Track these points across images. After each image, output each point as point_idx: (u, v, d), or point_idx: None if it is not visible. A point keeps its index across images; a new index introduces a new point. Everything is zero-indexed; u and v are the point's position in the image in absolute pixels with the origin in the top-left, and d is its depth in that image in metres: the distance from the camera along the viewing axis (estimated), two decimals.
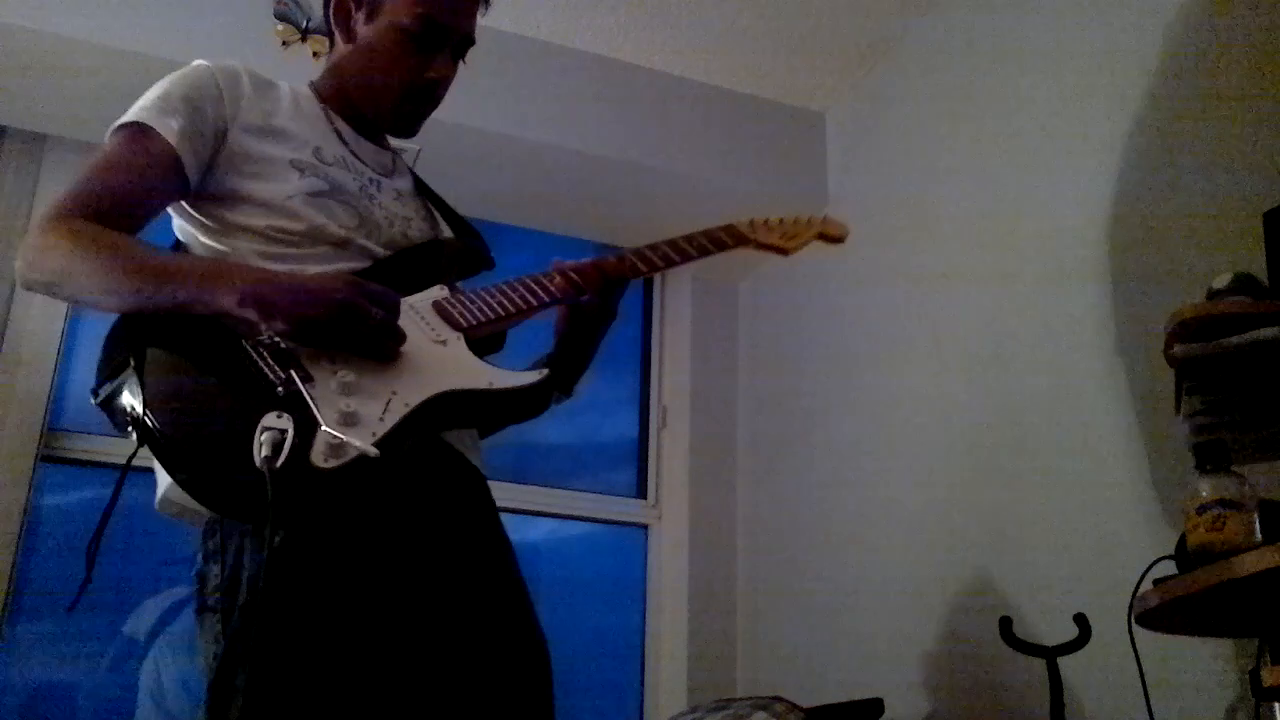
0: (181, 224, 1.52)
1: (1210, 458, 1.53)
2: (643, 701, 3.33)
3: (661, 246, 1.67)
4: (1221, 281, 1.65)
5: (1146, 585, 1.63)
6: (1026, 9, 2.63)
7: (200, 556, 1.39)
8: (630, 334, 3.69)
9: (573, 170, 3.18)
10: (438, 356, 1.43)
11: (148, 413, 1.23)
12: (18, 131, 2.97)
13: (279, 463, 1.16)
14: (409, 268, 1.54)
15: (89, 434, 2.88)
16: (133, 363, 1.27)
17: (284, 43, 2.76)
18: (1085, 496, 2.18)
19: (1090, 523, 2.15)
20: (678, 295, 3.69)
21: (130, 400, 1.26)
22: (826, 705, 2.45)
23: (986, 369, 2.53)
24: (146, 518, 3.06)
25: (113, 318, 1.36)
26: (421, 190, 1.72)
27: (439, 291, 1.53)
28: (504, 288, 1.55)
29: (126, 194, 1.43)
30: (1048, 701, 2.01)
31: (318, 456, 1.22)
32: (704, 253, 1.71)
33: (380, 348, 1.37)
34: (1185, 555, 1.55)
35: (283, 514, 1.18)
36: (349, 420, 1.27)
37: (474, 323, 1.49)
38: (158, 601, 2.87)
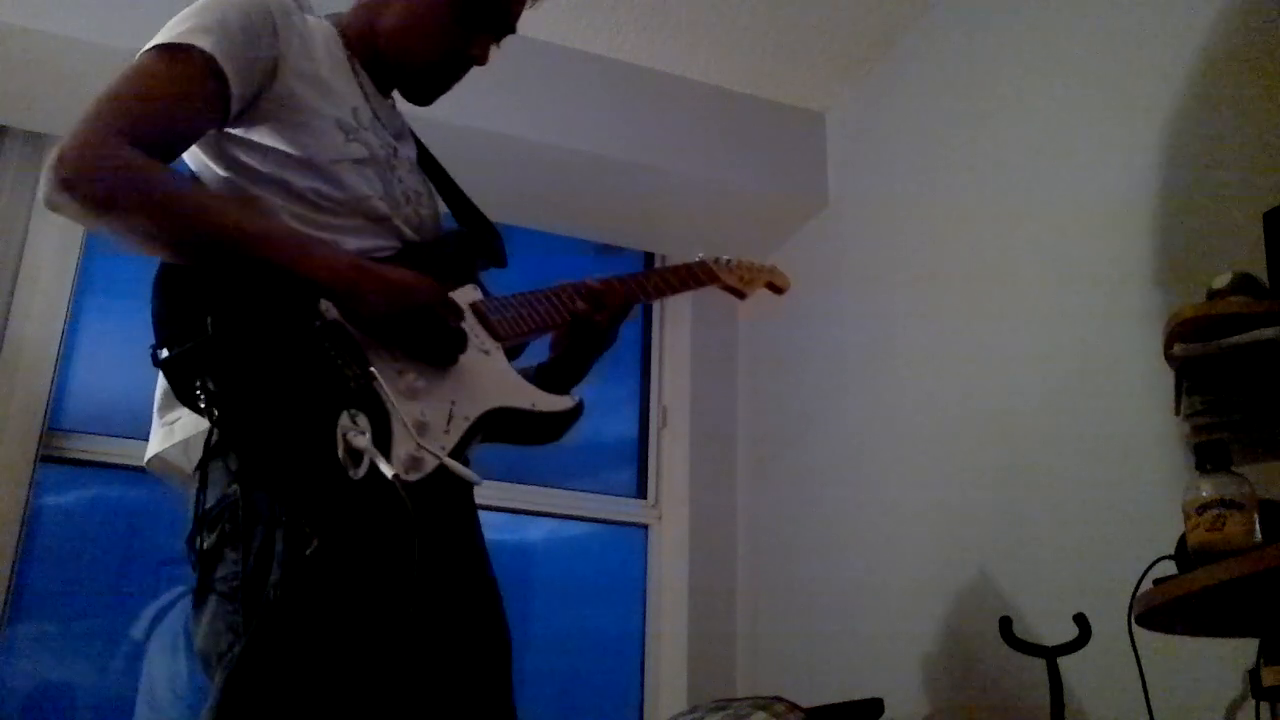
0: (199, 155, 1.41)
1: (1210, 458, 1.53)
2: (643, 701, 3.33)
3: (654, 277, 1.77)
4: (1221, 281, 1.65)
5: (1146, 585, 1.63)
6: (1027, 9, 2.63)
7: (205, 533, 1.29)
8: (630, 334, 3.68)
9: (574, 170, 3.18)
10: (484, 368, 1.42)
11: (229, 396, 1.16)
12: (18, 131, 2.96)
13: (361, 472, 1.14)
14: (442, 259, 1.51)
15: (89, 434, 2.88)
16: (208, 331, 1.18)
17: None
18: (1085, 496, 2.18)
19: (1090, 523, 2.15)
20: (678, 295, 3.68)
21: (207, 379, 1.17)
22: (826, 705, 2.45)
23: (986, 368, 2.53)
24: (147, 518, 3.07)
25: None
26: (425, 161, 1.65)
27: (473, 293, 1.51)
28: (530, 299, 1.54)
29: (170, 120, 1.32)
30: (1048, 701, 2.01)
31: (400, 466, 1.20)
32: (685, 287, 1.84)
33: (448, 355, 1.36)
34: (1185, 555, 1.55)
35: (345, 520, 1.15)
36: (422, 429, 1.25)
37: (512, 334, 1.49)
38: (159, 602, 2.87)
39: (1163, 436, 2.01)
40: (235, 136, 1.39)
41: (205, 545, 1.28)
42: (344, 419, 1.18)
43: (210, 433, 1.25)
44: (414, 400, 1.28)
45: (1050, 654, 2.03)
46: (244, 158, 1.39)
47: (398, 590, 1.25)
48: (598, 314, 1.57)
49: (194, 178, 1.39)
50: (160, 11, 2.92)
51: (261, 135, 1.38)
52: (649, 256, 3.74)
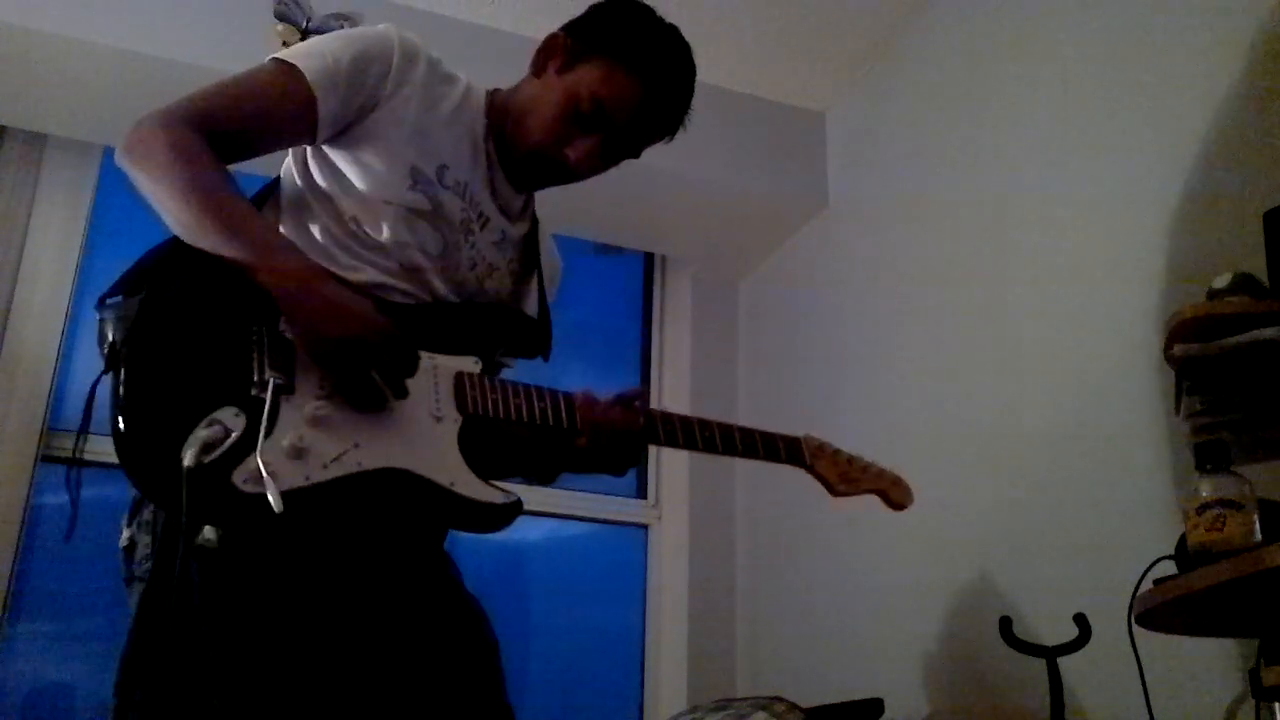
0: (289, 159, 1.51)
1: (1210, 458, 1.52)
2: (643, 701, 3.33)
3: (732, 431, 1.63)
4: (1221, 281, 1.65)
5: (1146, 585, 1.63)
6: (1026, 10, 2.63)
7: (127, 522, 1.38)
8: (630, 334, 3.69)
9: None
10: (422, 431, 1.37)
11: (121, 354, 1.25)
12: (18, 131, 2.97)
13: (205, 460, 1.16)
14: (461, 321, 1.50)
15: (89, 434, 2.87)
16: (144, 294, 1.27)
17: (284, 43, 2.75)
18: (1085, 496, 2.18)
19: (1090, 523, 2.15)
20: (678, 295, 3.69)
21: (114, 331, 1.28)
22: (826, 705, 2.45)
23: (986, 368, 2.53)
24: None
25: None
26: (529, 249, 1.65)
27: (469, 364, 1.47)
28: (530, 391, 1.48)
29: (247, 123, 1.41)
30: (1048, 701, 2.01)
31: (239, 474, 1.21)
32: (760, 457, 1.68)
33: (369, 400, 1.33)
34: (1185, 555, 1.55)
35: (187, 510, 1.16)
36: (296, 453, 1.24)
37: (478, 413, 1.42)
38: None
39: (1163, 436, 2.01)
40: (322, 153, 1.48)
41: (125, 537, 1.37)
42: (224, 411, 1.22)
43: (97, 381, 1.33)
44: (310, 426, 1.27)
45: (1050, 654, 2.03)
46: (314, 170, 1.47)
47: (296, 591, 1.30)
48: (578, 435, 1.49)
49: (228, 178, 1.42)
50: (160, 12, 2.93)
51: (339, 158, 1.46)
52: (649, 256, 3.75)
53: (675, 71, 1.65)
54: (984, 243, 2.62)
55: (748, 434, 1.65)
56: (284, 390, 1.27)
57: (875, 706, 2.43)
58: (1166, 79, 2.18)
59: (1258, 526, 1.48)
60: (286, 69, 1.42)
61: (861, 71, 3.24)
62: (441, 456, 1.37)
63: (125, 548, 1.36)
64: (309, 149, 1.49)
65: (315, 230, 1.44)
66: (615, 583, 3.47)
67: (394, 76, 1.46)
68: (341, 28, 2.42)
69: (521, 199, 1.64)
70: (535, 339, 1.62)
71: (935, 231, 2.81)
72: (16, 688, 2.73)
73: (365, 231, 1.44)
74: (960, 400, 2.59)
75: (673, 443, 1.57)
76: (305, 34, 2.75)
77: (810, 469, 1.76)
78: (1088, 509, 2.16)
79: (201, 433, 1.18)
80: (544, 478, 1.64)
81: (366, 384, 1.32)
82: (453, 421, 1.40)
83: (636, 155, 1.62)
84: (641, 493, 3.53)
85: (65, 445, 2.86)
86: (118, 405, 1.24)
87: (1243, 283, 1.64)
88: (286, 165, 1.52)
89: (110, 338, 1.28)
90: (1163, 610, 1.59)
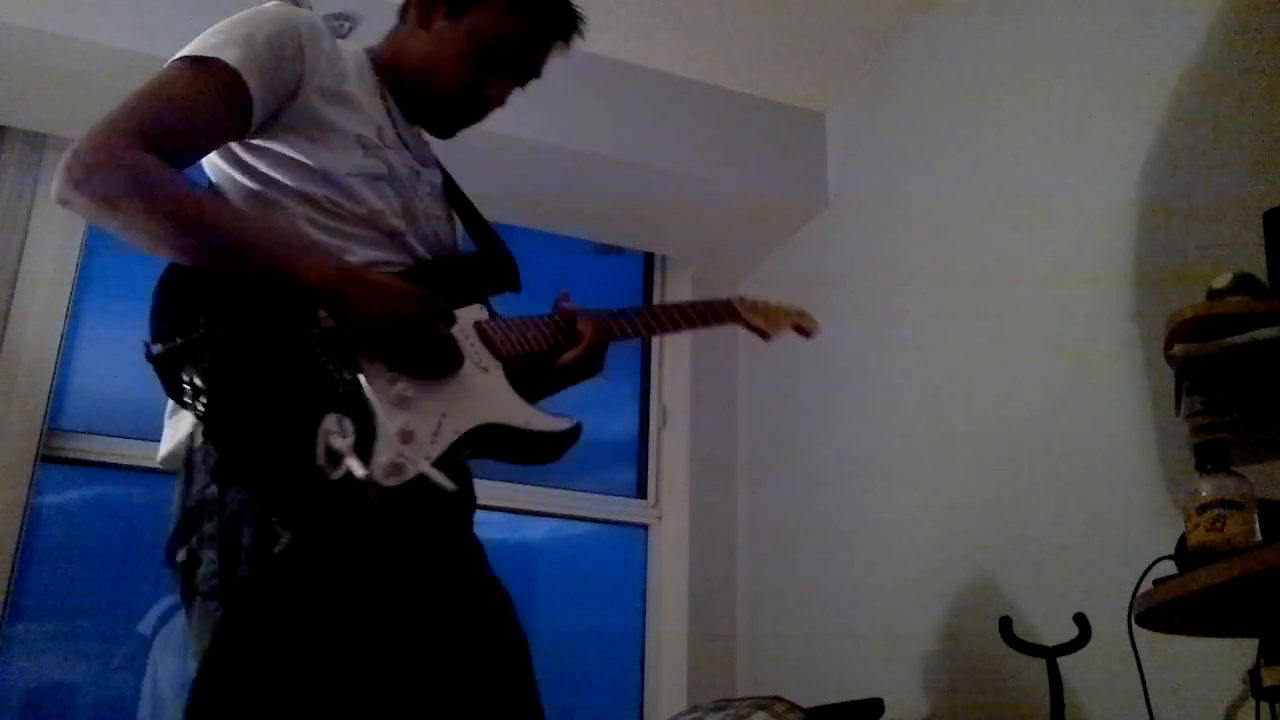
0: (219, 163, 1.44)
1: (1210, 458, 1.53)
2: (643, 701, 3.33)
3: (672, 311, 1.78)
4: (1221, 281, 1.65)
5: (1146, 585, 1.63)
6: (1027, 9, 2.63)
7: (184, 538, 1.33)
8: None
9: (573, 170, 3.18)
10: (481, 384, 1.43)
11: (213, 393, 1.20)
12: (18, 131, 2.96)
13: (355, 472, 1.15)
14: (450, 278, 1.52)
15: (89, 434, 2.88)
16: (201, 329, 1.22)
17: None
18: (1085, 496, 2.18)
19: (1090, 523, 2.15)
20: (678, 295, 3.69)
21: (194, 373, 1.21)
22: (826, 705, 2.45)
23: (986, 369, 2.53)
24: (147, 518, 3.07)
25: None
26: (449, 190, 1.69)
27: (479, 312, 1.52)
28: (533, 322, 1.56)
29: (188, 128, 1.36)
30: (1048, 701, 2.01)
31: (379, 472, 1.20)
32: (705, 323, 1.85)
33: (438, 366, 1.37)
34: (1185, 555, 1.55)
35: (317, 519, 1.17)
36: (407, 437, 1.25)
37: (514, 354, 1.50)
38: (164, 603, 2.87)
39: (1163, 436, 2.01)
40: (257, 147, 1.43)
41: (185, 551, 1.32)
42: (329, 422, 1.20)
43: (193, 432, 1.30)
44: (402, 410, 1.29)
45: (1050, 654, 2.03)
46: (264, 168, 1.43)
47: (371, 590, 1.28)
48: (564, 353, 1.58)
49: (206, 185, 1.42)
50: (160, 12, 2.93)
51: (282, 146, 1.42)
52: (649, 256, 3.75)
53: None
54: (984, 242, 2.62)
55: (686, 308, 1.81)
56: (360, 384, 1.27)
57: (875, 706, 2.43)
58: (1166, 78, 2.18)
59: (1258, 526, 1.48)
60: (207, 63, 1.37)
61: (861, 71, 3.24)
62: (506, 401, 1.45)
63: (184, 563, 1.32)
64: (237, 148, 1.43)
65: (299, 222, 1.41)
66: (615, 583, 3.47)
67: (307, 50, 1.43)
68: (342, 27, 2.42)
69: (426, 147, 1.65)
70: (508, 276, 1.66)
71: (935, 231, 2.81)
72: (16, 688, 2.73)
73: (343, 209, 1.43)
74: (960, 399, 2.59)
75: (634, 334, 1.70)
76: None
77: (745, 323, 1.94)
78: (1088, 509, 2.16)
79: (336, 444, 1.17)
80: (552, 390, 1.66)
81: (435, 354, 1.36)
82: (496, 368, 1.47)
83: (540, 75, 1.67)
84: (641, 493, 3.53)
85: (65, 445, 2.86)
86: (232, 446, 1.22)
87: (1243, 283, 1.64)
88: (218, 170, 1.46)
89: (189, 383, 1.22)
90: (1163, 610, 1.59)
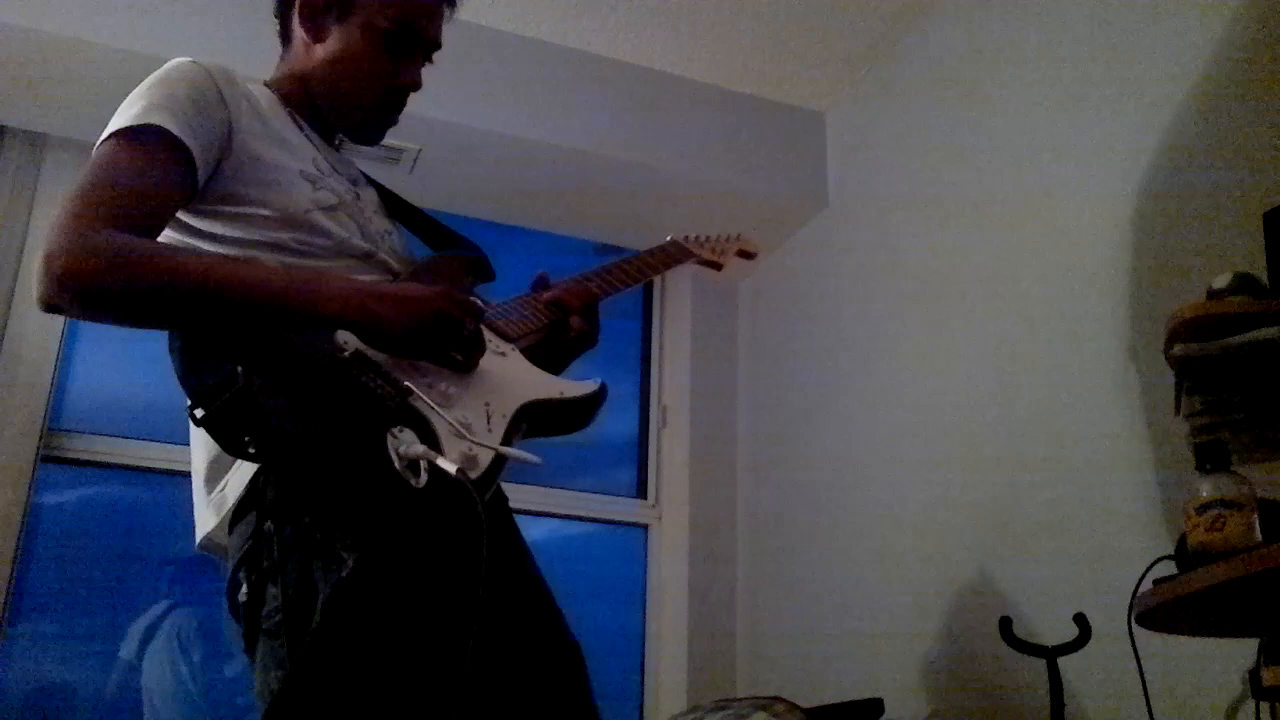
0: (181, 238, 1.40)
1: (1210, 458, 1.53)
2: (643, 701, 3.33)
3: (635, 262, 1.81)
4: (1221, 281, 1.65)
5: (1146, 585, 1.63)
6: (1027, 9, 2.63)
7: (243, 577, 1.30)
8: (630, 334, 3.69)
9: (573, 170, 3.18)
10: (507, 367, 1.46)
11: (275, 436, 1.19)
12: (18, 131, 2.96)
13: (424, 478, 1.16)
14: (436, 279, 1.51)
15: (89, 434, 2.88)
16: (240, 381, 1.19)
17: None
18: (1085, 496, 2.18)
19: (1090, 523, 2.15)
20: (678, 295, 3.69)
21: (248, 425, 1.19)
22: (826, 705, 2.45)
23: (986, 369, 2.53)
24: (147, 518, 3.07)
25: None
26: (393, 204, 1.67)
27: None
28: (520, 303, 1.59)
29: (146, 201, 1.32)
30: (1048, 701, 2.01)
31: (452, 467, 1.20)
32: (666, 267, 1.88)
33: (470, 358, 1.39)
34: (1185, 555, 1.55)
35: (387, 536, 1.18)
36: (466, 429, 1.28)
37: (521, 334, 1.54)
38: (162, 604, 2.88)
39: (1163, 436, 2.01)
40: (211, 211, 1.40)
41: (245, 590, 1.29)
42: (389, 438, 1.20)
43: (256, 478, 1.29)
44: (452, 407, 1.30)
45: (1050, 654, 2.03)
46: (225, 230, 1.40)
47: (454, 601, 1.24)
48: (569, 320, 1.61)
49: (191, 251, 1.39)
50: (160, 12, 2.93)
51: (235, 203, 1.40)
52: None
53: None
54: (984, 242, 2.62)
55: (638, 261, 1.83)
56: (410, 392, 1.28)
57: (875, 706, 2.43)
58: (1166, 78, 2.18)
59: (1258, 526, 1.48)
60: (139, 132, 1.34)
61: (861, 71, 3.24)
62: (536, 378, 1.50)
63: (246, 603, 1.29)
64: (191, 218, 1.40)
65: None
66: (615, 583, 3.47)
67: (227, 96, 1.41)
68: None
69: (352, 166, 1.64)
70: (483, 268, 1.67)
71: (935, 230, 2.81)
72: (16, 688, 2.73)
73: (314, 245, 1.42)
74: (960, 399, 2.59)
75: (612, 289, 1.72)
76: None
77: (696, 258, 1.95)
78: (1088, 509, 2.16)
79: (409, 450, 1.18)
80: (562, 365, 1.67)
81: (462, 348, 1.38)
82: (513, 350, 1.51)
83: (440, 46, 1.63)
84: (641, 493, 3.53)
85: (65, 445, 2.86)
86: (309, 483, 1.25)
87: (1243, 283, 1.64)
88: (179, 243, 1.41)
89: (243, 435, 1.20)
90: (1163, 610, 1.59)
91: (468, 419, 1.30)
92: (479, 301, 1.55)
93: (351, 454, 1.21)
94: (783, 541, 3.24)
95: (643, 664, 3.37)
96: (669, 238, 1.94)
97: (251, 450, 1.21)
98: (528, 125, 3.06)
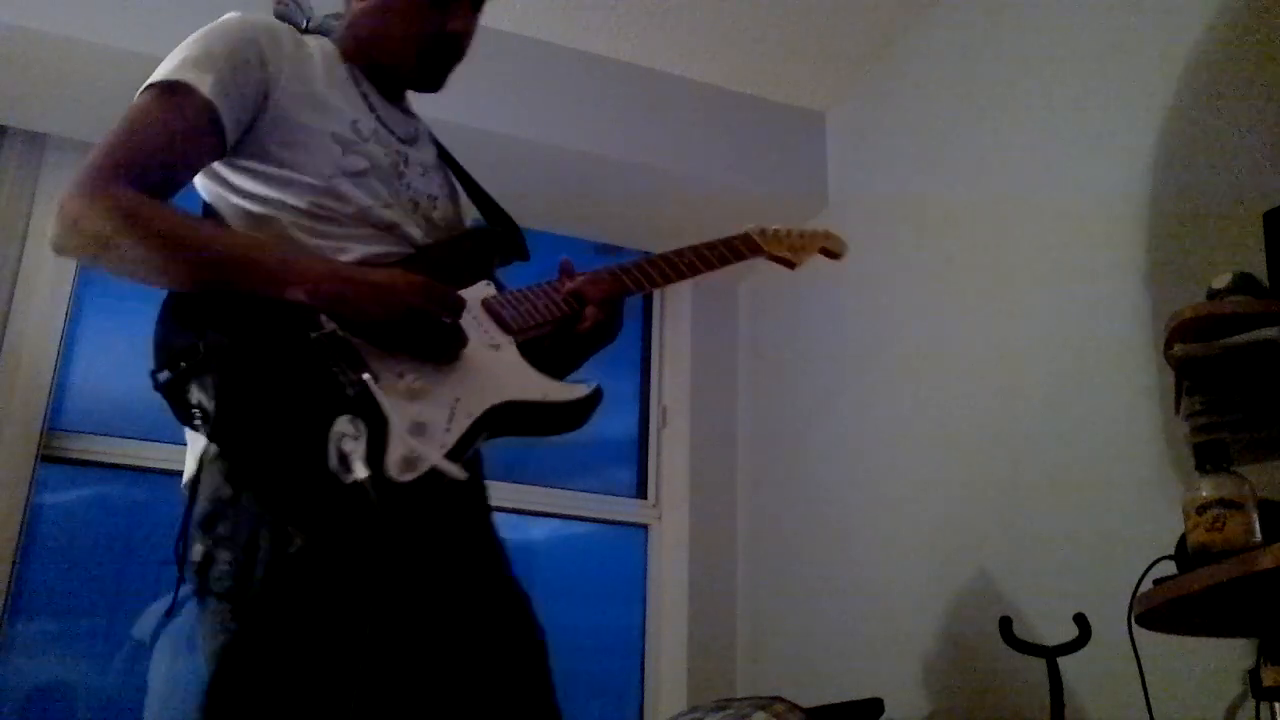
0: (210, 185, 1.46)
1: (1210, 458, 1.53)
2: (643, 701, 3.33)
3: (687, 255, 1.69)
4: (1221, 281, 1.65)
5: (1146, 585, 1.63)
6: (1027, 9, 2.63)
7: (200, 538, 1.32)
8: (630, 334, 3.69)
9: (574, 170, 3.18)
10: (492, 362, 1.42)
11: (222, 411, 1.20)
12: (18, 131, 2.96)
13: (356, 475, 1.16)
14: (453, 258, 1.52)
15: (89, 434, 2.88)
16: (201, 351, 1.23)
17: None
18: (1085, 496, 2.18)
19: (1090, 523, 2.15)
20: (678, 295, 3.69)
21: (200, 395, 1.22)
22: (826, 705, 2.45)
23: (986, 369, 2.53)
24: (147, 518, 3.07)
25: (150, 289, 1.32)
26: (445, 161, 1.68)
27: (486, 288, 1.52)
28: (541, 290, 1.54)
29: (166, 158, 1.37)
30: (1048, 701, 2.01)
31: (392, 470, 1.21)
32: (724, 262, 1.74)
33: (444, 352, 1.36)
34: (1185, 555, 1.55)
35: (330, 524, 1.17)
36: (419, 430, 1.26)
37: (524, 326, 1.49)
38: (162, 603, 2.87)
39: (1163, 436, 2.01)
40: (240, 164, 1.43)
41: (198, 551, 1.31)
42: (340, 424, 1.20)
43: (206, 448, 1.30)
44: (414, 401, 1.29)
45: (1050, 654, 2.03)
46: (250, 184, 1.43)
47: (386, 590, 1.27)
48: (584, 312, 1.55)
49: (193, 212, 1.42)
50: (160, 12, 2.92)
51: (263, 160, 1.43)
52: (649, 256, 3.74)
53: None
54: (984, 242, 2.62)
55: (702, 249, 1.71)
56: (375, 381, 1.27)
57: (875, 706, 2.43)
58: (1167, 78, 2.18)
59: (1258, 526, 1.48)
60: (175, 88, 1.38)
61: (861, 71, 3.24)
62: (521, 377, 1.44)
63: (198, 562, 1.31)
64: (222, 168, 1.44)
65: (288, 233, 1.41)
66: (615, 583, 3.47)
67: (270, 58, 1.43)
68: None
69: (413, 124, 1.64)
70: (514, 245, 1.65)
71: (935, 231, 2.81)
72: (16, 688, 2.73)
73: (332, 211, 1.43)
74: (960, 399, 2.59)
75: (650, 285, 1.64)
76: (306, 33, 2.75)
77: (768, 254, 1.83)
78: (1088, 509, 2.16)
79: (346, 447, 1.18)
80: (579, 359, 1.63)
81: (438, 342, 1.35)
82: (509, 344, 1.46)
83: None
84: (641, 493, 3.53)
85: (65, 445, 2.86)
86: (244, 461, 1.24)
87: (1243, 283, 1.64)
88: (210, 190, 1.47)
89: (197, 404, 1.23)
90: (1163, 610, 1.59)
91: (425, 416, 1.27)
92: (494, 289, 1.52)
93: (297, 438, 1.20)
94: (783, 541, 3.24)
95: (643, 664, 3.37)
96: (745, 229, 1.82)
97: (197, 424, 1.23)
98: (528, 125, 3.06)
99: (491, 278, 1.56)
